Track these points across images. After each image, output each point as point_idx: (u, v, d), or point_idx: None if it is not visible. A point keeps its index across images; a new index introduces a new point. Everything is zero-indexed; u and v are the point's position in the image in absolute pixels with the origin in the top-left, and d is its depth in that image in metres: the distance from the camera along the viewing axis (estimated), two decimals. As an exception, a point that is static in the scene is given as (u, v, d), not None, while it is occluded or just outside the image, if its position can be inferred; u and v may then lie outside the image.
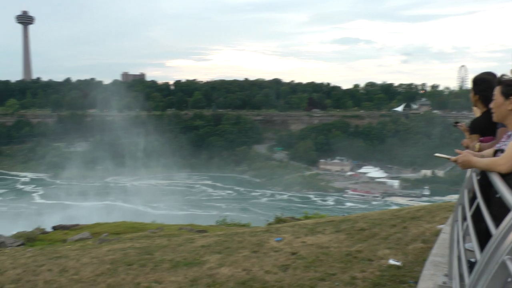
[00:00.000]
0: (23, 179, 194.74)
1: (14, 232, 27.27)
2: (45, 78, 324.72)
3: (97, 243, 20.21)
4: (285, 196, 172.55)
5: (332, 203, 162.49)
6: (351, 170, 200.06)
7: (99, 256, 16.29)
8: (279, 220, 26.77)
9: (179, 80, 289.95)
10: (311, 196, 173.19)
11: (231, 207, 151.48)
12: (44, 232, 27.88)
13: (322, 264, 12.71)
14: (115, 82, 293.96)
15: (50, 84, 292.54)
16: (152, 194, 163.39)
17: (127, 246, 17.69)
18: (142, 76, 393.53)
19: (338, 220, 19.11)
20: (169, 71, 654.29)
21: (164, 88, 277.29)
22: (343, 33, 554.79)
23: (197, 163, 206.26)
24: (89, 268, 14.88)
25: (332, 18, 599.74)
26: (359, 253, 13.20)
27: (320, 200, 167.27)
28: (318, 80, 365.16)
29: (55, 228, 29.32)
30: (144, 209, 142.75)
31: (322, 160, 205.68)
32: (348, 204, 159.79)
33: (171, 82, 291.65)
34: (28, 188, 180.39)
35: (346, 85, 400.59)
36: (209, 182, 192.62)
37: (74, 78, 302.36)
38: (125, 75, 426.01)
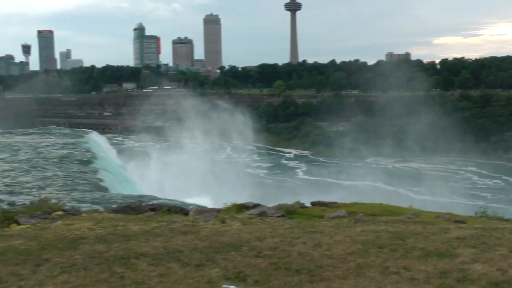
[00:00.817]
0: (287, 155, 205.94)
1: (276, 204, 28.86)
2: (310, 60, 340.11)
3: (352, 222, 20.50)
4: None
5: None
6: None
7: (352, 236, 16.59)
8: (548, 220, 24.39)
9: (446, 59, 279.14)
10: None
11: (497, 198, 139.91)
12: (303, 206, 28.90)
13: None
14: (379, 63, 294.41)
15: (315, 66, 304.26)
16: (413, 178, 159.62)
17: (381, 229, 17.72)
18: (407, 55, 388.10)
19: None
20: (435, 49, 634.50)
21: (429, 68, 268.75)
22: None
23: (461, 148, 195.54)
24: (341, 246, 15.25)
25: None
26: None
27: None
28: None
29: (313, 203, 30.23)
30: (404, 193, 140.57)
31: None
32: None
33: (437, 61, 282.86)
34: (292, 163, 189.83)
35: None
36: (474, 168, 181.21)
37: (338, 60, 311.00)
38: (389, 55, 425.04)
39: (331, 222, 20.80)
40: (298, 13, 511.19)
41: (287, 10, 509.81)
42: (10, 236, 17.67)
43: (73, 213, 24.95)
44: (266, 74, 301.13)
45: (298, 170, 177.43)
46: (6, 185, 53.61)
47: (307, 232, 17.42)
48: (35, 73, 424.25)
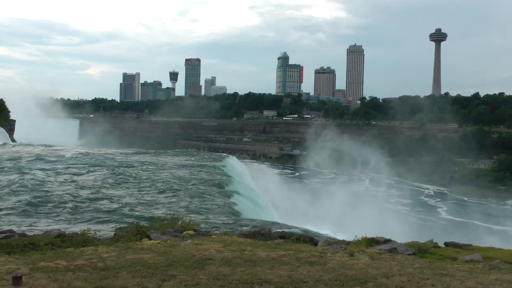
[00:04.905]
0: (426, 191, 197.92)
1: (408, 241, 28.03)
2: (453, 93, 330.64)
3: (487, 268, 19.45)
4: None
5: None
6: None
7: (485, 283, 15.74)
8: None
9: None
10: None
11: None
12: (436, 246, 27.96)
13: None
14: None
15: (458, 99, 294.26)
16: None
17: (519, 279, 16.66)
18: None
19: None
20: None
21: None
22: None
23: None
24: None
25: None
26: None
27: None
28: None
29: (447, 244, 29.14)
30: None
31: None
32: None
33: None
34: (431, 201, 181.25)
35: None
36: None
37: (482, 93, 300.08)
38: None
39: (464, 266, 19.89)
40: (443, 43, 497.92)
41: (431, 40, 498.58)
42: (141, 250, 18.78)
43: (203, 233, 25.87)
44: (407, 106, 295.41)
45: (439, 209, 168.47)
46: (141, 202, 56.01)
47: (437, 274, 16.84)
48: (180, 98, 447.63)
